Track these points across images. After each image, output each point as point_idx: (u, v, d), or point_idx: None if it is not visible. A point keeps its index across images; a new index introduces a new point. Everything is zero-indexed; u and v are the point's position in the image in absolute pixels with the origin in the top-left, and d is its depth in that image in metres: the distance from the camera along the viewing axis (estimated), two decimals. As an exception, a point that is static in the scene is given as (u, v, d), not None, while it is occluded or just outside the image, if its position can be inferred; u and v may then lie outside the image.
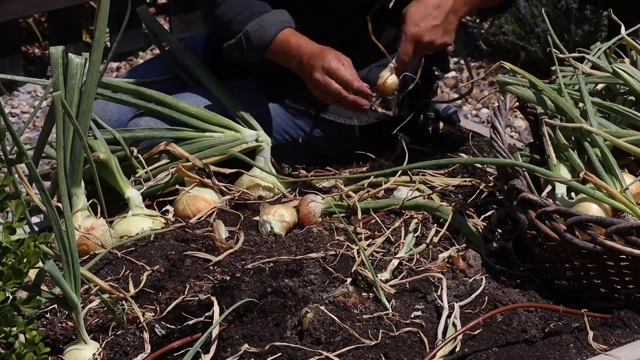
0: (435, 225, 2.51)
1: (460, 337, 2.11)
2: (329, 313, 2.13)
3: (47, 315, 2.25)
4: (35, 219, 2.72)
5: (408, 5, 2.56)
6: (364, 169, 2.80)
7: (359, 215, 2.54)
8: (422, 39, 2.55)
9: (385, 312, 2.20)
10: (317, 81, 2.62)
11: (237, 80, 2.88)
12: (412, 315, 2.20)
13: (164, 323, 2.19)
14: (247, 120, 2.76)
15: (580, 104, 2.41)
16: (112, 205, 2.60)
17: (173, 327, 2.17)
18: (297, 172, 2.83)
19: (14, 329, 1.87)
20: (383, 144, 2.82)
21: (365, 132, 2.85)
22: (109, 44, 4.96)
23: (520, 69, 2.43)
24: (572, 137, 2.37)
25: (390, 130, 2.80)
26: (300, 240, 2.43)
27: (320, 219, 2.52)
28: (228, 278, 2.29)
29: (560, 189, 2.30)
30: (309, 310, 2.13)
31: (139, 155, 2.69)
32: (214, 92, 2.80)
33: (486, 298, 2.25)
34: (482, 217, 2.52)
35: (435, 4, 2.54)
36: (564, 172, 2.35)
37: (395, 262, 2.35)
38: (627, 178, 2.29)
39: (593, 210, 2.24)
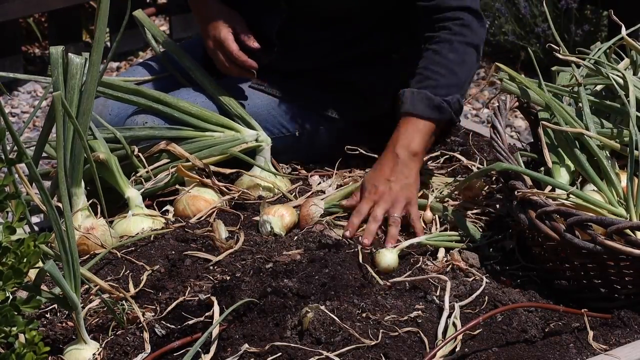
0: (435, 225, 2.52)
1: (460, 337, 2.11)
2: (329, 313, 2.13)
3: (47, 315, 2.25)
4: (35, 219, 2.72)
5: (367, 174, 2.55)
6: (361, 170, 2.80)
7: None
8: (381, 198, 2.48)
9: (385, 312, 2.20)
10: (209, 49, 2.78)
11: (232, 77, 2.89)
12: (412, 315, 2.20)
13: (164, 323, 2.19)
14: (247, 120, 2.76)
15: (579, 104, 2.41)
16: (112, 205, 2.60)
17: (173, 327, 2.17)
18: (297, 173, 2.83)
19: (14, 328, 1.87)
20: (381, 146, 2.82)
21: (364, 129, 2.85)
22: (109, 44, 4.95)
23: (514, 72, 2.43)
24: (572, 137, 2.37)
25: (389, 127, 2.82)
26: (300, 240, 2.43)
27: (318, 222, 2.52)
28: (228, 278, 2.29)
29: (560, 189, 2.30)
30: (309, 310, 2.13)
31: (140, 155, 2.69)
32: (213, 92, 2.80)
33: (486, 298, 2.25)
34: (482, 216, 2.52)
35: (389, 164, 2.51)
36: (563, 174, 2.35)
37: (402, 244, 2.41)
38: (625, 179, 2.30)
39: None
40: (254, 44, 2.75)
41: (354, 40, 2.77)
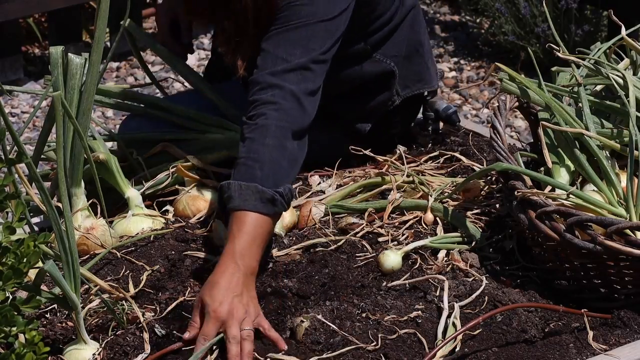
0: (435, 225, 2.52)
1: (460, 337, 2.11)
2: (326, 321, 2.13)
3: (47, 315, 2.25)
4: (35, 219, 2.72)
5: (201, 290, 2.18)
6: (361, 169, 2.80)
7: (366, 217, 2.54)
8: (230, 315, 2.13)
9: (385, 312, 2.20)
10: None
11: (226, 82, 2.89)
12: (412, 315, 2.20)
13: (164, 323, 2.18)
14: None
15: (579, 104, 2.41)
16: (112, 205, 2.60)
17: (173, 327, 2.17)
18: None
19: (14, 329, 1.87)
20: (381, 146, 2.82)
21: (364, 134, 2.84)
22: (109, 44, 4.95)
23: (514, 72, 2.43)
24: (572, 137, 2.37)
25: (388, 133, 2.82)
26: (300, 240, 2.43)
27: (318, 223, 2.51)
28: (228, 278, 2.28)
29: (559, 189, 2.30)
30: (304, 320, 2.12)
31: (139, 157, 2.69)
32: (209, 95, 2.80)
33: (486, 298, 2.25)
34: (482, 216, 2.52)
35: (227, 278, 2.16)
36: (563, 174, 2.35)
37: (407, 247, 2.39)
38: (625, 178, 2.30)
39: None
40: (183, 39, 2.83)
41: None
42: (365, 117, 2.80)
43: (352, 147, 2.73)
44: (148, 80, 3.01)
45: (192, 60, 5.02)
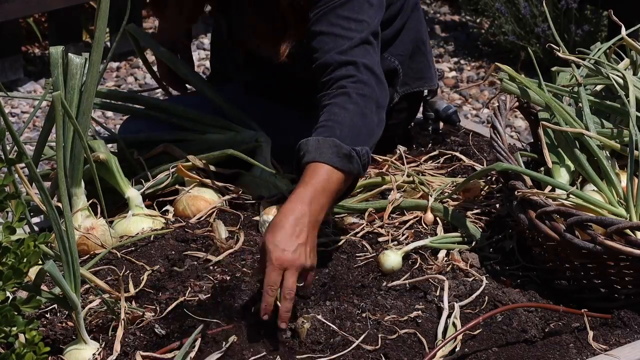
0: (435, 225, 2.52)
1: (460, 337, 2.11)
2: (327, 322, 2.13)
3: (47, 315, 2.25)
4: (35, 219, 2.72)
5: (266, 232, 2.16)
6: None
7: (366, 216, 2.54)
8: (292, 264, 2.11)
9: (385, 312, 2.20)
10: None
11: (228, 84, 2.89)
12: (412, 315, 2.20)
13: (164, 323, 2.19)
14: (246, 122, 2.76)
15: (579, 104, 2.41)
16: (112, 205, 2.60)
17: (173, 327, 2.17)
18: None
19: (14, 329, 1.87)
20: (381, 146, 2.82)
21: None
22: (109, 44, 4.95)
23: (515, 72, 2.43)
24: (572, 137, 2.37)
25: (387, 132, 2.81)
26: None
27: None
28: (228, 278, 2.29)
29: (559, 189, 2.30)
30: (305, 321, 2.12)
31: (140, 158, 2.69)
32: (210, 97, 2.80)
33: (486, 298, 2.25)
34: (482, 216, 2.52)
35: (292, 223, 2.14)
36: (563, 174, 2.35)
37: (407, 247, 2.39)
38: (625, 178, 2.30)
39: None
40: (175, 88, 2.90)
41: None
42: None
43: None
44: (149, 80, 3.01)
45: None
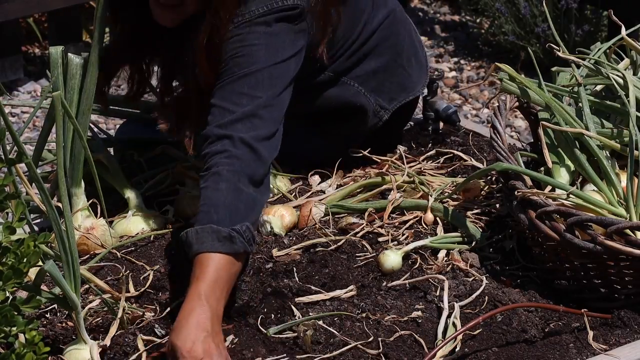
0: (435, 225, 2.52)
1: (460, 337, 2.11)
2: (327, 327, 2.13)
3: (47, 315, 2.25)
4: (35, 219, 2.72)
5: (169, 337, 2.09)
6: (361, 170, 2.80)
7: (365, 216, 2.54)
8: (207, 353, 2.04)
9: (385, 312, 2.20)
10: None
11: None
12: (412, 315, 2.20)
13: (164, 323, 2.18)
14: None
15: (579, 104, 2.41)
16: (112, 205, 2.60)
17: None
18: (297, 173, 2.83)
19: (14, 328, 1.87)
20: (380, 147, 2.82)
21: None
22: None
23: (515, 72, 2.43)
24: (572, 137, 2.37)
25: (386, 135, 2.81)
26: (300, 240, 2.43)
27: (318, 223, 2.51)
28: (228, 278, 2.28)
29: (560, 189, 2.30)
30: (307, 328, 2.12)
31: (140, 160, 2.69)
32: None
33: (486, 298, 2.25)
34: (482, 216, 2.52)
35: (195, 320, 2.07)
36: (563, 174, 2.35)
37: (407, 247, 2.38)
38: (625, 178, 2.30)
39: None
40: None
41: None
42: (357, 136, 2.79)
43: (352, 149, 2.74)
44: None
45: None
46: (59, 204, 2.16)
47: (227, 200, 2.23)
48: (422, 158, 2.81)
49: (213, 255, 2.15)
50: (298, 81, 2.45)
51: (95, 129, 2.75)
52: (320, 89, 2.67)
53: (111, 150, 2.71)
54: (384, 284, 2.30)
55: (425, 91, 2.95)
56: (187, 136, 2.48)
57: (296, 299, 2.23)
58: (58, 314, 2.25)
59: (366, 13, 2.68)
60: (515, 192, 2.26)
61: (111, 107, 2.81)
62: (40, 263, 1.94)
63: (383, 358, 2.09)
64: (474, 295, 2.24)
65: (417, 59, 2.86)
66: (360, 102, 2.71)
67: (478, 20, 5.52)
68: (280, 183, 2.71)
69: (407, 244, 2.41)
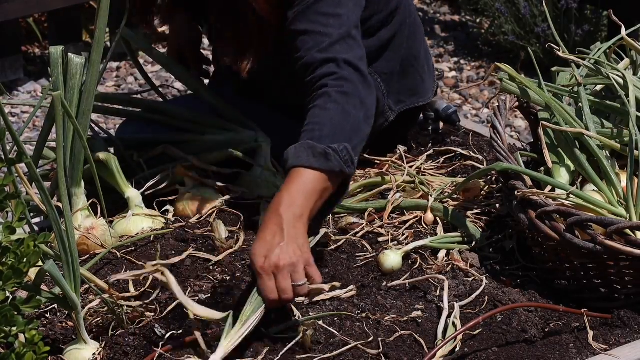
0: (435, 225, 2.52)
1: (460, 337, 2.11)
2: (327, 327, 2.13)
3: (47, 315, 2.25)
4: (35, 219, 2.72)
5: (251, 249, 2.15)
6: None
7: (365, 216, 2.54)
8: (277, 267, 2.09)
9: (385, 312, 2.20)
10: None
11: (226, 86, 2.89)
12: (412, 315, 2.20)
13: (164, 323, 2.18)
14: (244, 122, 2.76)
15: (579, 104, 2.41)
16: (112, 205, 2.60)
17: (173, 327, 2.17)
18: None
19: (14, 328, 1.87)
20: (381, 147, 2.82)
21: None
22: (109, 44, 4.95)
23: (515, 72, 2.43)
24: (572, 137, 2.37)
25: (390, 137, 2.81)
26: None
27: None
28: (228, 278, 2.29)
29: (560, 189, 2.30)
30: (307, 328, 2.12)
31: (140, 160, 2.69)
32: (207, 98, 2.80)
33: (486, 298, 2.25)
34: (482, 216, 2.52)
35: (268, 231, 2.13)
36: (563, 174, 2.35)
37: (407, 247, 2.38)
38: (625, 178, 2.30)
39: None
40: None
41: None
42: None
43: None
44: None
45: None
46: (59, 204, 2.16)
47: (333, 121, 2.25)
48: (423, 158, 2.81)
49: (304, 170, 2.18)
50: None
51: (96, 129, 2.75)
52: None
53: (111, 150, 2.71)
54: (384, 284, 2.30)
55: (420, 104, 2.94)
56: (246, 63, 2.49)
57: (296, 299, 2.23)
58: (58, 314, 2.25)
59: None
60: (515, 192, 2.26)
61: (111, 107, 2.81)
62: (40, 263, 1.94)
63: (383, 358, 2.09)
64: (474, 295, 2.24)
65: (429, 67, 2.88)
66: (378, 97, 2.70)
67: (478, 20, 5.52)
68: (280, 183, 2.70)
69: (407, 244, 2.41)
